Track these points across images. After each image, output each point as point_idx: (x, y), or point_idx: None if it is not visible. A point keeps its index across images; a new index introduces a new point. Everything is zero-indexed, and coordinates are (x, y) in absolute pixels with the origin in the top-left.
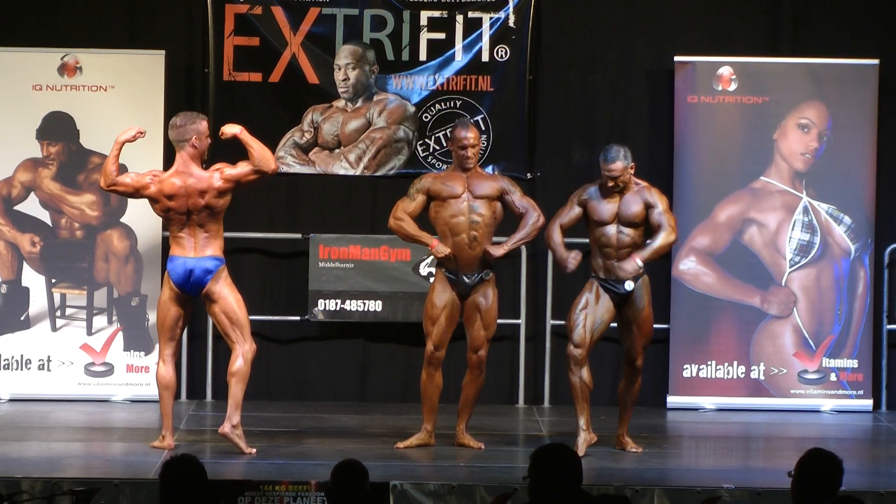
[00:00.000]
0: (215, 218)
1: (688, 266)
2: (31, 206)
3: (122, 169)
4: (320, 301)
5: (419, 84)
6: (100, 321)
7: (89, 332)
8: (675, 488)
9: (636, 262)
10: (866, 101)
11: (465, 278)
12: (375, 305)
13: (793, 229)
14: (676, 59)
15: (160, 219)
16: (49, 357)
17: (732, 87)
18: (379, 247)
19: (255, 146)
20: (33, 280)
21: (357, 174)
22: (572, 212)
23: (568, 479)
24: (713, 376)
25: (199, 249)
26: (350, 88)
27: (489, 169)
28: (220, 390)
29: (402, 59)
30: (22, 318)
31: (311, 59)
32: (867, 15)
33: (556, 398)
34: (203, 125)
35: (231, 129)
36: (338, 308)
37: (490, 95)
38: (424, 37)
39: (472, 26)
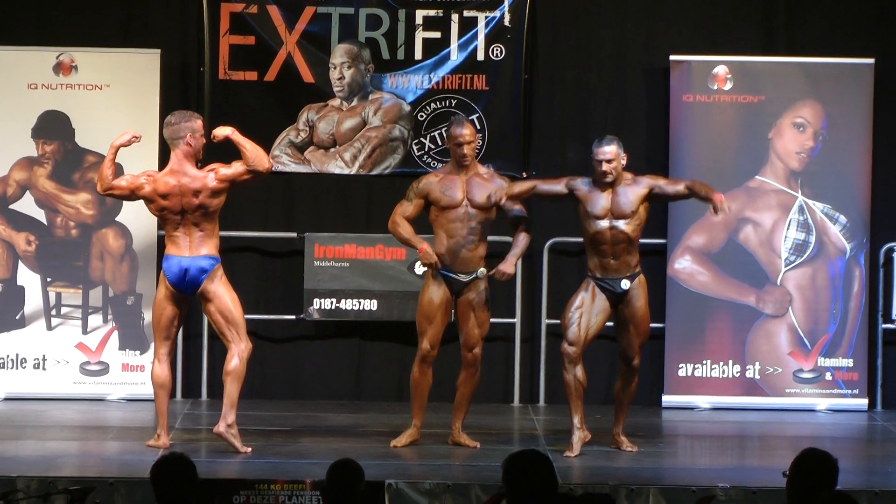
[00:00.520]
0: (210, 217)
1: (683, 265)
2: (27, 205)
3: (118, 171)
4: (315, 300)
5: (414, 83)
6: (95, 320)
7: (84, 331)
8: (670, 487)
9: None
10: (862, 100)
11: (460, 276)
12: (370, 304)
13: (788, 228)
14: (672, 57)
15: (155, 218)
16: (44, 356)
17: (728, 86)
18: (374, 246)
19: (248, 146)
20: (28, 279)
21: (352, 173)
22: (556, 186)
23: (542, 483)
24: (708, 375)
25: (195, 248)
26: (345, 87)
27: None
28: (215, 389)
29: (397, 58)
30: (17, 317)
31: (307, 57)
32: (862, 14)
33: (551, 397)
34: (198, 124)
35: (222, 131)
36: (333, 307)
37: (485, 94)
38: (420, 36)
39: (468, 25)
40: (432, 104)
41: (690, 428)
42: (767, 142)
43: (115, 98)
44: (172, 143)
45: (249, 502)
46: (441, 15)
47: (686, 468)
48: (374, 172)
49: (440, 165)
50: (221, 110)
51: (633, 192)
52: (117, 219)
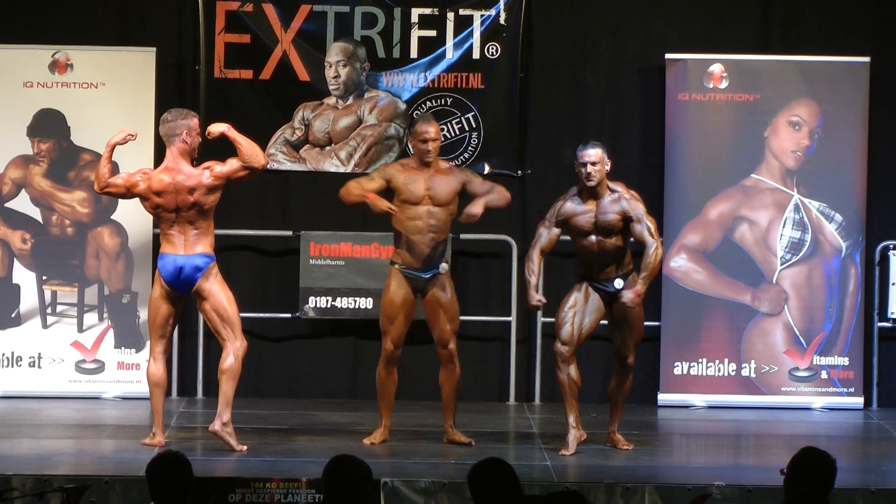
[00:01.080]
0: (205, 215)
1: (679, 263)
2: (22, 203)
3: (115, 169)
4: (311, 298)
5: (410, 81)
6: (90, 318)
7: (80, 330)
8: (665, 485)
9: (637, 292)
10: (857, 98)
11: (420, 274)
12: (366, 303)
13: (784, 227)
14: (667, 56)
15: (151, 216)
16: (40, 354)
17: (723, 84)
18: (370, 244)
19: (244, 142)
20: (24, 277)
21: (348, 171)
22: (551, 233)
23: (507, 489)
24: (704, 374)
25: (189, 247)
26: (341, 86)
27: (480, 166)
28: (211, 387)
29: (392, 57)
30: (13, 315)
31: (302, 56)
32: (858, 13)
33: (546, 396)
34: (194, 122)
35: (217, 128)
36: (328, 305)
37: (481, 93)
38: (415, 34)
39: (463, 23)
40: (428, 103)
41: (686, 426)
42: (763, 140)
43: (111, 96)
44: (168, 141)
45: (245, 501)
46: (436, 13)
47: (682, 466)
48: (370, 171)
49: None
50: (217, 109)
51: (614, 209)
52: (113, 217)
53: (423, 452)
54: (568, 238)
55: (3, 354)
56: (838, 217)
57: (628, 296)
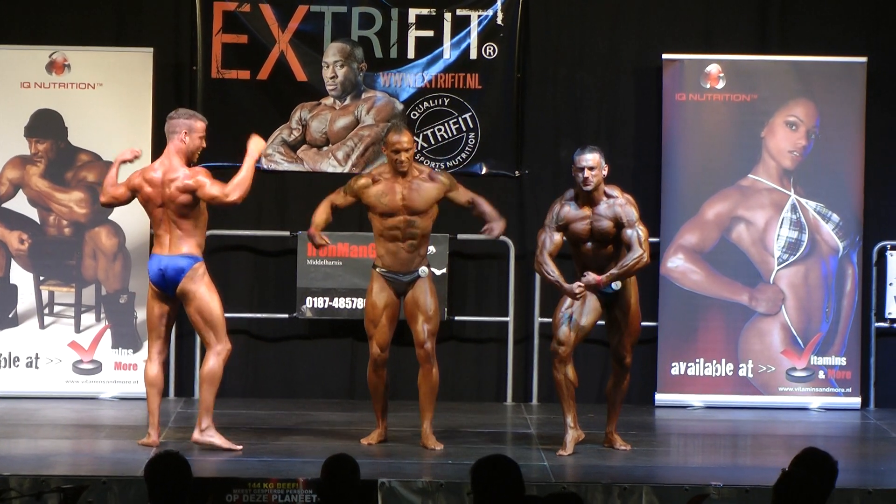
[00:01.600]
0: (190, 216)
1: (676, 264)
2: (20, 204)
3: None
4: (308, 298)
5: (407, 81)
6: (88, 319)
7: (77, 330)
8: (663, 486)
9: (599, 280)
10: (854, 98)
11: (401, 277)
12: (363, 303)
13: (781, 227)
14: (664, 56)
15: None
16: (37, 354)
17: (720, 84)
18: (367, 244)
19: (242, 174)
20: (21, 277)
21: (345, 172)
22: (554, 237)
23: (508, 488)
24: (701, 374)
25: (174, 247)
26: (338, 86)
27: (478, 167)
28: None
29: (390, 57)
30: (10, 316)
31: (300, 56)
32: (855, 12)
33: (544, 396)
34: (197, 124)
35: (256, 145)
36: (326, 305)
37: (478, 93)
38: (412, 34)
39: (461, 24)
40: (425, 103)
41: (683, 426)
42: (760, 140)
43: (108, 97)
44: (169, 137)
45: (242, 501)
46: (434, 14)
47: (679, 467)
48: (367, 171)
49: (433, 164)
50: (214, 109)
51: (608, 215)
52: (110, 217)
53: (421, 453)
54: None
55: (1, 355)
56: (835, 217)
57: (588, 278)
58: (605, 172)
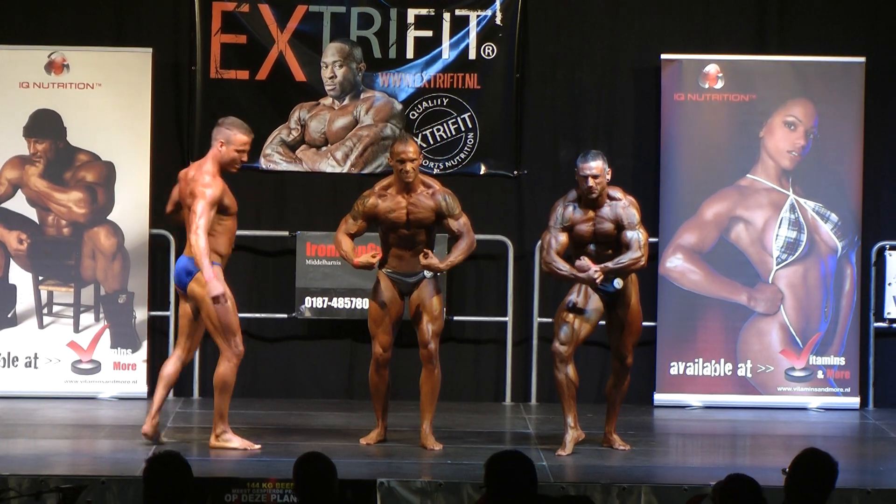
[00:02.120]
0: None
1: (675, 264)
2: (18, 204)
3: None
4: (307, 298)
5: (406, 82)
6: (87, 318)
7: (76, 330)
8: (661, 486)
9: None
10: (853, 98)
11: (407, 278)
12: (362, 303)
13: (779, 227)
14: (663, 56)
15: (147, 216)
16: (36, 354)
17: (719, 84)
18: (366, 245)
19: (199, 257)
20: (20, 277)
21: (344, 172)
22: (560, 238)
23: (523, 484)
24: (700, 374)
25: (187, 249)
26: (337, 86)
27: (476, 167)
28: (207, 388)
29: (389, 57)
30: (9, 316)
31: (299, 56)
32: (853, 13)
33: (543, 396)
34: (237, 137)
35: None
36: (325, 305)
37: (477, 93)
38: (411, 34)
39: (459, 24)
40: (424, 103)
41: (682, 426)
42: (759, 140)
43: (107, 97)
44: (212, 141)
45: (241, 501)
46: (432, 14)
47: (678, 467)
48: (366, 171)
49: (431, 165)
50: (213, 109)
51: (609, 217)
52: (109, 217)
53: (420, 453)
54: None
55: (0, 355)
56: (834, 217)
57: (582, 262)
58: (608, 177)
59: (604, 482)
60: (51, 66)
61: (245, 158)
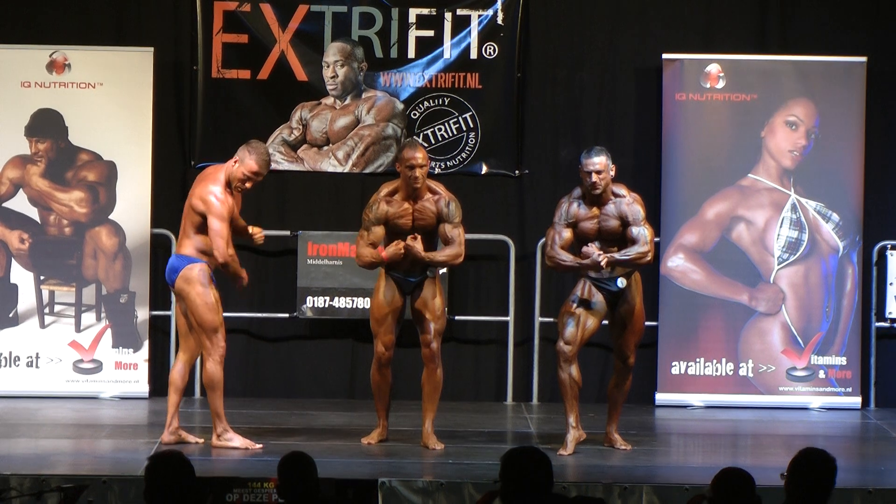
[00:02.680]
0: (193, 219)
1: (676, 263)
2: (20, 203)
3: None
4: (309, 298)
5: (408, 81)
6: (88, 318)
7: (78, 329)
8: (663, 485)
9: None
10: (854, 98)
11: (409, 278)
12: (364, 303)
13: (781, 226)
14: (664, 56)
15: (149, 216)
16: (37, 354)
17: (720, 84)
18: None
19: (228, 262)
20: (22, 277)
21: (345, 171)
22: (564, 234)
23: (539, 481)
24: (701, 373)
25: (178, 247)
26: (339, 86)
27: (478, 166)
28: None
29: (390, 57)
30: (10, 315)
31: (300, 56)
32: (855, 12)
33: (544, 395)
34: (250, 163)
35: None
36: (326, 305)
37: (478, 93)
38: (413, 34)
39: (461, 24)
40: (425, 102)
41: (683, 426)
42: (760, 140)
43: (109, 96)
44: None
45: (243, 500)
46: (434, 13)
47: (679, 466)
48: (368, 171)
49: (432, 164)
50: (215, 109)
51: (616, 215)
52: (111, 217)
53: (421, 452)
54: None
55: (1, 354)
56: (835, 217)
57: (589, 248)
58: (612, 173)
59: (605, 482)
60: (52, 66)
61: (248, 186)
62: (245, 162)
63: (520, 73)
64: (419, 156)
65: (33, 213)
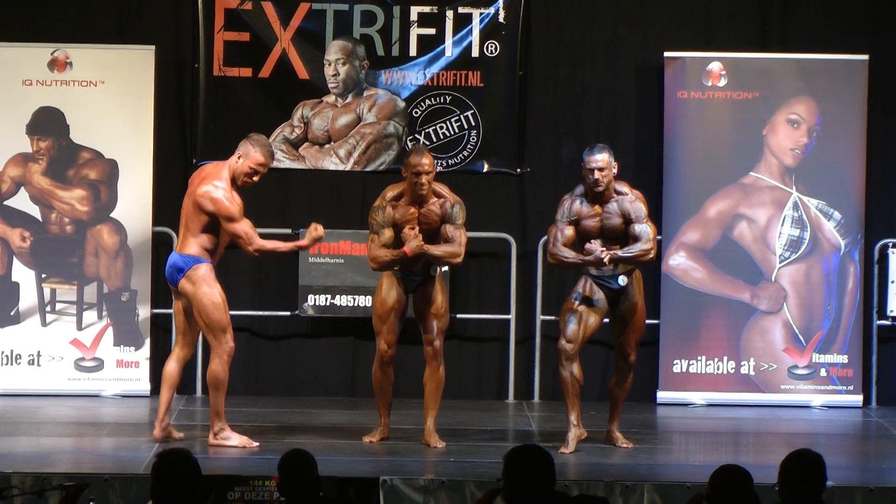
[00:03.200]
0: (198, 218)
1: (677, 261)
2: (21, 201)
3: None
4: (310, 296)
5: (409, 79)
6: (90, 316)
7: (79, 328)
8: (664, 484)
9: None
10: (856, 96)
11: (412, 275)
12: (365, 301)
13: (782, 225)
14: (666, 54)
15: (150, 214)
16: (39, 352)
17: (722, 82)
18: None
19: (277, 248)
20: (23, 275)
21: (347, 169)
22: (566, 231)
23: (541, 479)
24: (703, 371)
25: (180, 246)
26: (340, 84)
27: (479, 165)
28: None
29: (392, 55)
30: (12, 313)
31: (302, 54)
32: (856, 10)
33: (545, 394)
34: (255, 155)
35: (313, 237)
36: (328, 303)
37: (480, 91)
38: (414, 32)
39: (462, 22)
40: (427, 101)
41: (685, 424)
42: (762, 138)
43: (110, 94)
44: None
45: (244, 499)
46: (435, 11)
47: (680, 465)
48: (369, 169)
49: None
50: (216, 107)
51: (617, 211)
52: (112, 215)
53: (423, 451)
54: None
55: (3, 352)
56: (837, 215)
57: (592, 245)
58: (615, 171)
59: (607, 480)
60: (54, 64)
61: (256, 180)
62: (250, 155)
63: (521, 71)
64: (426, 162)
65: (35, 211)
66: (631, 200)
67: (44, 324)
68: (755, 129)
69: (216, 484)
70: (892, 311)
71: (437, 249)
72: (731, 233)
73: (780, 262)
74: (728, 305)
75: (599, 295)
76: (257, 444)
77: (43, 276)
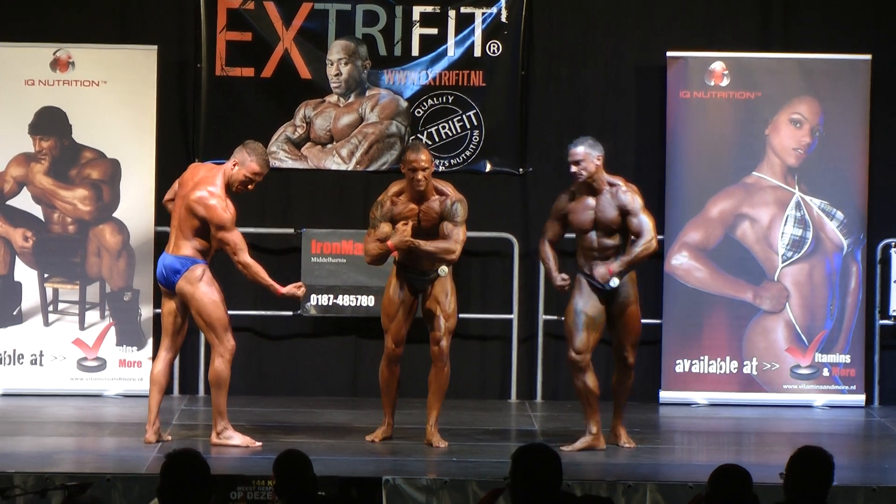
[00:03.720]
0: (191, 222)
1: (680, 261)
2: (24, 201)
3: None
4: (312, 296)
5: (411, 79)
6: (92, 316)
7: (82, 327)
8: (667, 483)
9: (610, 270)
10: (858, 96)
11: (422, 276)
12: (368, 300)
13: (785, 224)
14: (668, 54)
15: (152, 213)
16: (41, 352)
17: (724, 82)
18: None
19: (259, 275)
20: (26, 275)
21: (349, 169)
22: (554, 227)
23: (548, 478)
24: (705, 371)
25: (173, 247)
26: (342, 83)
27: (482, 164)
28: None
29: (394, 55)
30: (14, 313)
31: (304, 54)
32: (859, 10)
33: (548, 393)
34: (251, 164)
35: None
36: (330, 303)
37: (482, 91)
38: (417, 32)
39: (465, 21)
40: (429, 100)
41: (687, 424)
42: (764, 138)
43: (112, 94)
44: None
45: (247, 498)
46: (438, 11)
47: (683, 464)
48: (371, 169)
49: (436, 162)
50: (218, 107)
51: (613, 204)
52: (114, 215)
53: (425, 450)
54: (572, 235)
55: (5, 352)
56: (839, 215)
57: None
58: (598, 161)
59: (609, 480)
60: (56, 64)
61: (251, 188)
62: (246, 164)
63: (523, 70)
64: (422, 158)
65: (37, 210)
66: (624, 192)
67: (46, 324)
68: (758, 128)
69: (218, 484)
70: (894, 310)
71: (428, 245)
72: (733, 232)
73: (782, 262)
74: (730, 305)
75: (595, 298)
76: (260, 443)
77: (45, 275)
